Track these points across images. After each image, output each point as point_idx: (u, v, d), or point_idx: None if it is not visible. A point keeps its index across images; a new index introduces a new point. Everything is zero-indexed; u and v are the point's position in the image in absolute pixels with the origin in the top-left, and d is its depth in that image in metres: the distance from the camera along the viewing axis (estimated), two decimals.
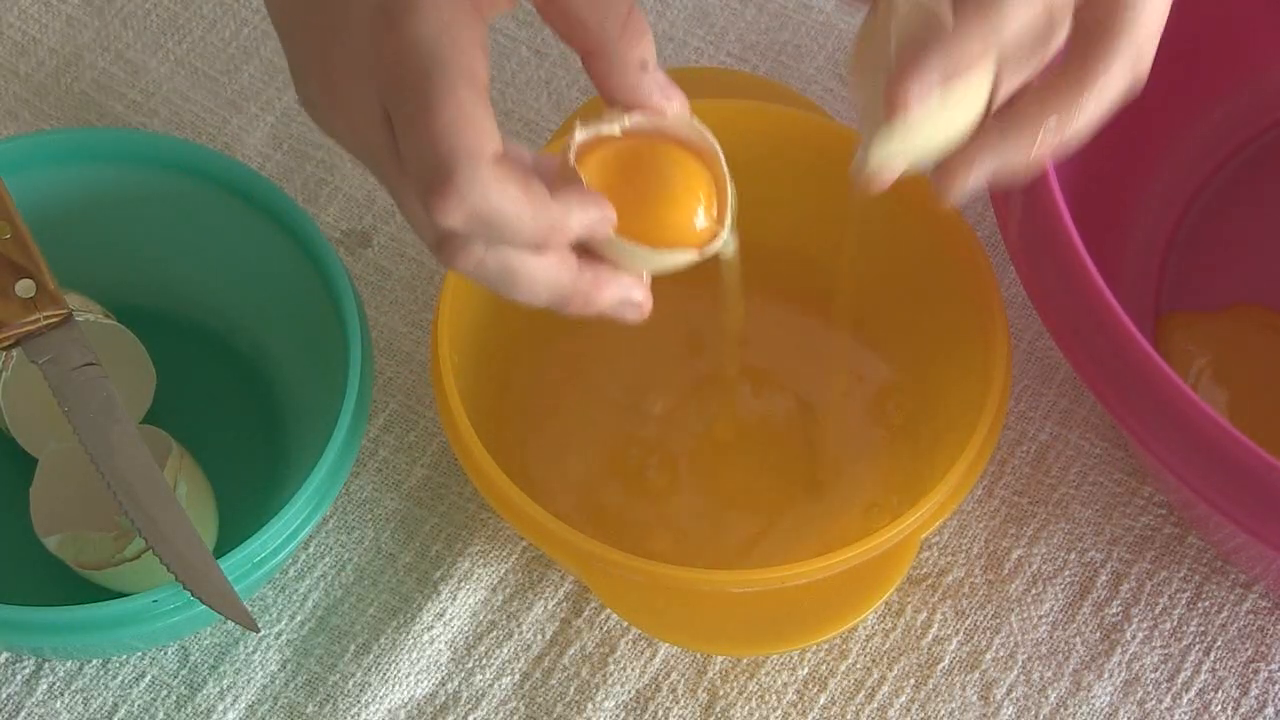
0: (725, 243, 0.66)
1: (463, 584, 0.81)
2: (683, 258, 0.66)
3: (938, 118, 0.64)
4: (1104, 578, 0.82)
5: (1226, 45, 0.87)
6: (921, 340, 0.82)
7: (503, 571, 0.81)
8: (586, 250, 0.64)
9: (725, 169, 0.66)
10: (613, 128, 0.66)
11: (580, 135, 0.65)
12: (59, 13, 0.94)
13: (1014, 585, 0.81)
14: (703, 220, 0.66)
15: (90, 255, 0.82)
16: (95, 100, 0.91)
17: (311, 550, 0.82)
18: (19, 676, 0.79)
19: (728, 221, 0.66)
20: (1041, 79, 0.64)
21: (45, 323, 0.74)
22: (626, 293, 0.65)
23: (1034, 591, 0.81)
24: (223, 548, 0.75)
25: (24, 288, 0.74)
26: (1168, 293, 0.86)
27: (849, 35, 0.93)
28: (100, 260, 0.82)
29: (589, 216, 0.63)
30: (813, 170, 0.81)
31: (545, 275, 0.63)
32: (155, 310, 0.83)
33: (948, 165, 0.65)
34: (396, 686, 0.79)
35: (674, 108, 0.66)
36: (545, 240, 0.61)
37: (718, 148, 0.66)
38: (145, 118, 0.91)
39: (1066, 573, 0.82)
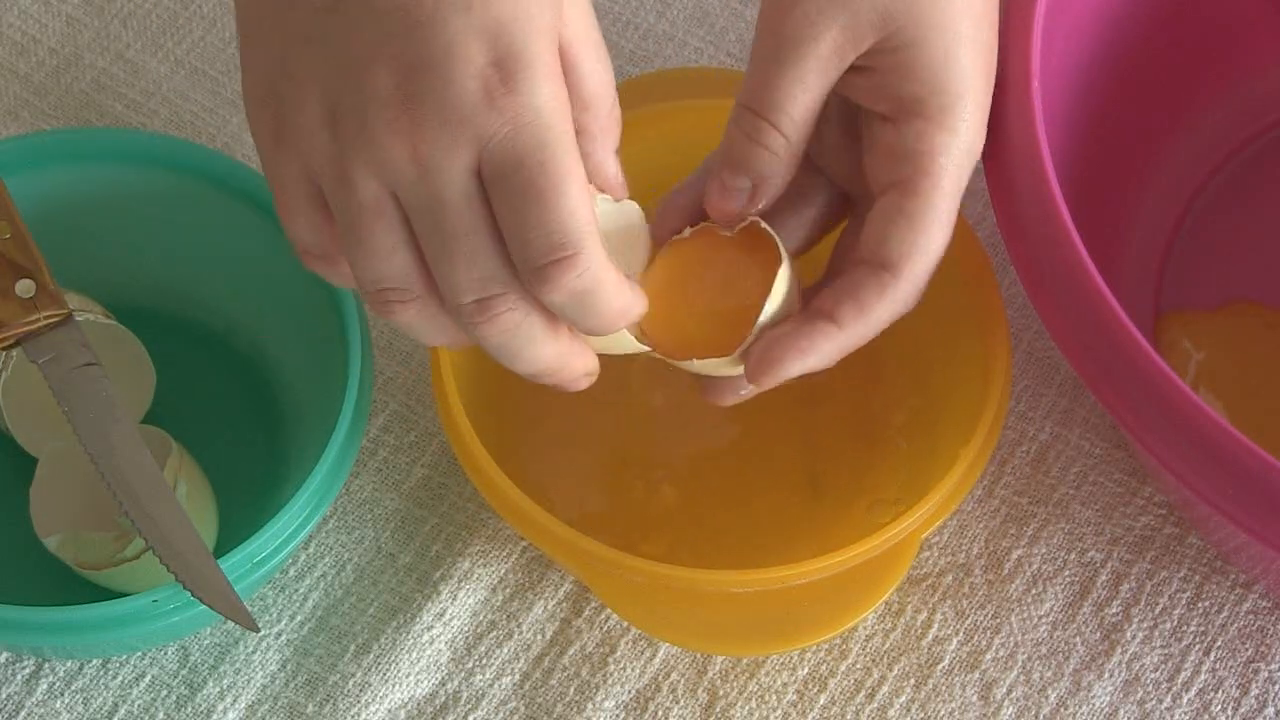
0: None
1: (463, 584, 0.81)
2: (714, 365, 0.71)
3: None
4: (1104, 578, 0.82)
5: (1225, 46, 0.87)
6: (922, 340, 0.82)
7: (503, 571, 0.81)
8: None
9: (784, 270, 0.70)
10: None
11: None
12: (59, 13, 0.94)
13: (1014, 585, 0.81)
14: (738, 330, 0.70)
15: (90, 255, 0.82)
16: (95, 100, 0.91)
17: (311, 550, 0.82)
18: (19, 676, 0.79)
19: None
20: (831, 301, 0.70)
21: (45, 323, 0.74)
22: (592, 364, 0.70)
23: (1034, 591, 0.81)
24: (223, 548, 0.75)
25: (24, 288, 0.74)
26: (1167, 292, 0.86)
27: None
28: (100, 260, 0.82)
29: (641, 308, 0.68)
30: None
31: (554, 351, 0.67)
32: (155, 310, 0.83)
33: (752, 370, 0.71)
34: (396, 686, 0.79)
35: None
36: (617, 323, 0.66)
37: (784, 253, 0.70)
38: (145, 118, 0.91)
39: (1066, 573, 0.82)
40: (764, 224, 0.70)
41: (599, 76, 0.66)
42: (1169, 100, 0.87)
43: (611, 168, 0.68)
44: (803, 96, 0.69)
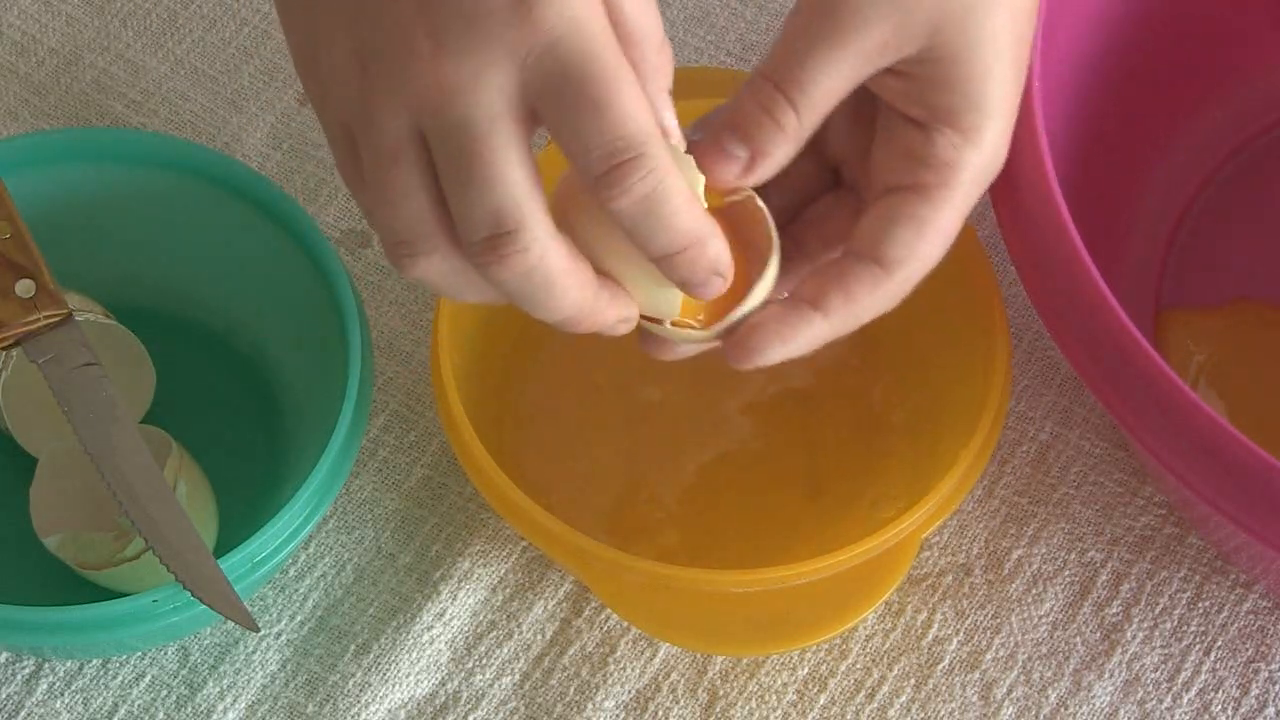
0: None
1: (463, 584, 0.81)
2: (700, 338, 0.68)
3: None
4: (1104, 578, 0.82)
5: (1226, 45, 0.87)
6: (922, 340, 0.82)
7: (503, 571, 0.81)
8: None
9: (775, 257, 0.67)
10: None
11: None
12: (59, 13, 0.94)
13: (1014, 585, 0.81)
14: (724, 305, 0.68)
15: (90, 255, 0.82)
16: (95, 100, 0.91)
17: (311, 550, 0.82)
18: (19, 676, 0.79)
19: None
20: (816, 287, 0.68)
21: (45, 323, 0.74)
22: (628, 311, 0.67)
23: (1034, 591, 0.81)
24: (223, 548, 0.75)
25: (24, 288, 0.74)
26: (1167, 291, 0.86)
27: None
28: (100, 260, 0.82)
29: (716, 238, 0.65)
30: None
31: (576, 299, 0.64)
32: (155, 310, 0.83)
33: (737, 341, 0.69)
34: (396, 686, 0.79)
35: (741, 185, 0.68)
36: (691, 242, 0.64)
37: (775, 237, 0.67)
38: (145, 118, 0.91)
39: (1066, 573, 0.82)
40: (759, 201, 0.68)
41: (642, 9, 0.64)
42: (1169, 100, 0.87)
43: (663, 110, 0.65)
44: (829, 83, 0.67)
